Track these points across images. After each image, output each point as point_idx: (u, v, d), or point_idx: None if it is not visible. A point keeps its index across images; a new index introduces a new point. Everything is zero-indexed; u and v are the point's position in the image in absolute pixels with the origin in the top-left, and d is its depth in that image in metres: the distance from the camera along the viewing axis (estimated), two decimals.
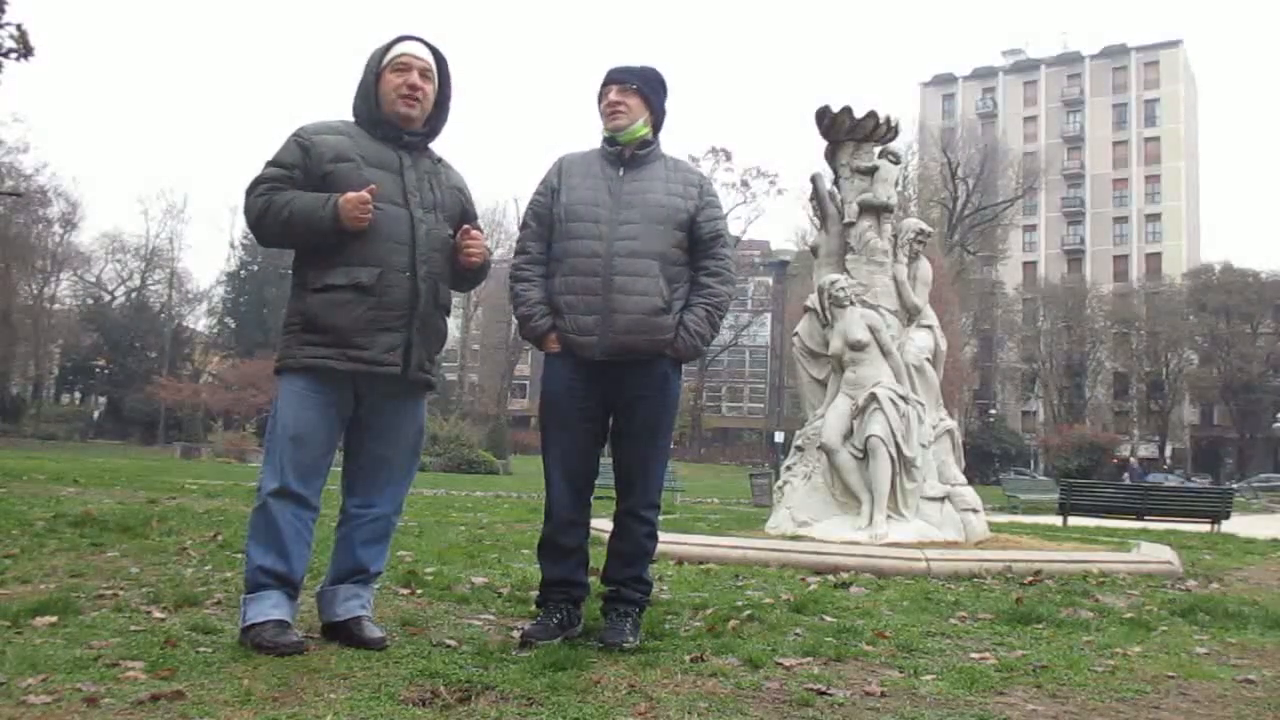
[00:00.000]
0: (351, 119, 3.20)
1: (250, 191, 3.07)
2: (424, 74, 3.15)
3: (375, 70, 3.15)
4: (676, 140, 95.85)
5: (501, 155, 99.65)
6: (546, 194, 3.43)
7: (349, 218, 2.95)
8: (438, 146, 3.35)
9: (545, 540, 3.39)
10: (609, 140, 3.45)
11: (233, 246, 57.92)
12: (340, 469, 3.23)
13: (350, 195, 2.94)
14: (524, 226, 3.49)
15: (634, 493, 3.41)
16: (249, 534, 3.01)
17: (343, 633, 3.01)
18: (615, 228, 3.29)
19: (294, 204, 3.00)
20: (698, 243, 3.41)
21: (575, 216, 3.33)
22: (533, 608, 3.46)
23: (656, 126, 3.51)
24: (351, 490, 3.17)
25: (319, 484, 3.04)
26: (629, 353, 3.25)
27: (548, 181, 3.47)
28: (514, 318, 3.39)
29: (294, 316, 3.06)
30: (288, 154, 3.08)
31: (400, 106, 3.11)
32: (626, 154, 3.42)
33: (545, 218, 3.41)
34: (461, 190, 3.36)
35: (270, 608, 2.87)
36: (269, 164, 3.09)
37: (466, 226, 3.29)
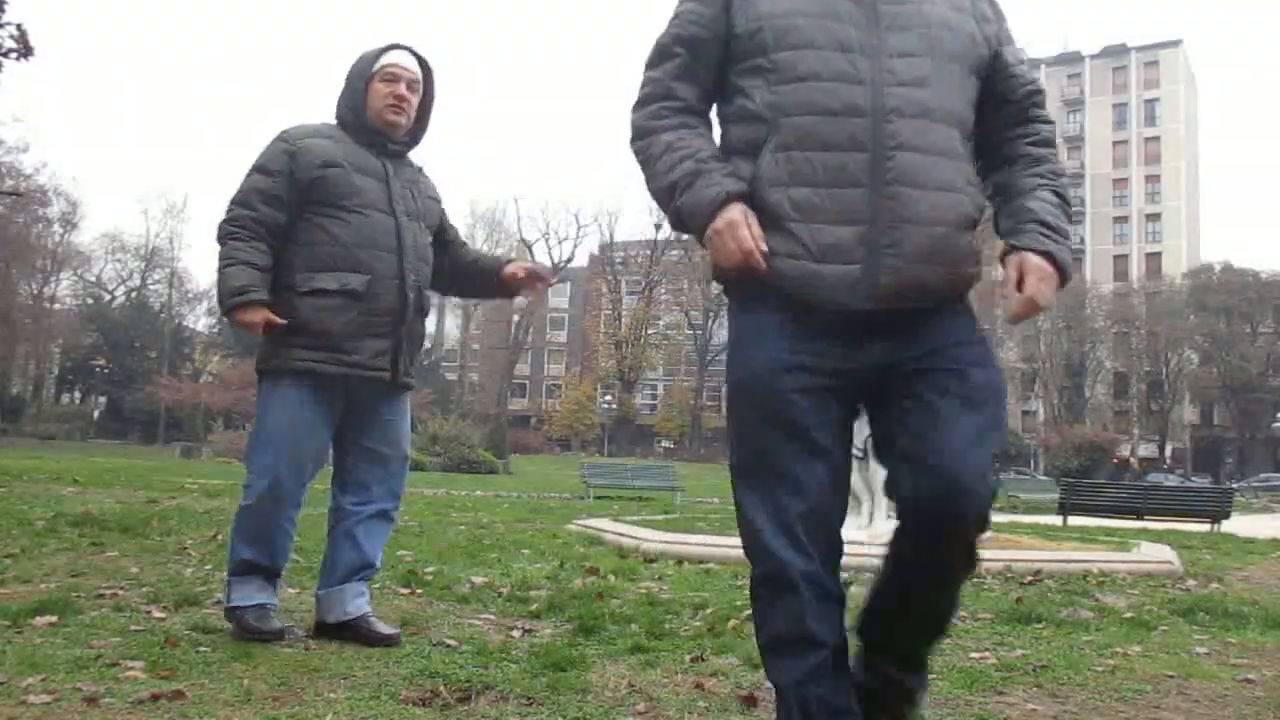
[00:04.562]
0: (334, 123, 3.21)
1: (232, 206, 3.06)
2: (411, 85, 3.18)
3: (365, 77, 3.16)
4: None
5: (501, 155, 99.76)
6: (710, 2, 1.89)
7: (242, 321, 2.99)
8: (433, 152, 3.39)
9: (779, 634, 1.84)
10: None
11: None
12: (331, 468, 3.27)
13: (257, 321, 2.96)
14: (662, 57, 1.93)
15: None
16: (235, 526, 3.09)
17: (353, 630, 3.04)
18: (882, 63, 1.78)
19: (232, 266, 2.99)
20: (1005, 102, 1.94)
21: (800, 40, 1.80)
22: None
23: None
24: (346, 488, 3.18)
25: (305, 482, 3.10)
26: (921, 295, 1.78)
27: None
28: (654, 190, 1.89)
29: (280, 318, 3.02)
30: (274, 160, 3.06)
31: (388, 115, 3.14)
32: None
33: (707, 45, 1.88)
34: (439, 200, 3.40)
35: (255, 591, 3.03)
36: (255, 169, 3.09)
37: (537, 270, 3.46)
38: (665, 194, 1.84)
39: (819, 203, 1.73)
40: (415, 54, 3.23)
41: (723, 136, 1.90)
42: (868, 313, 1.75)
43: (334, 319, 3.00)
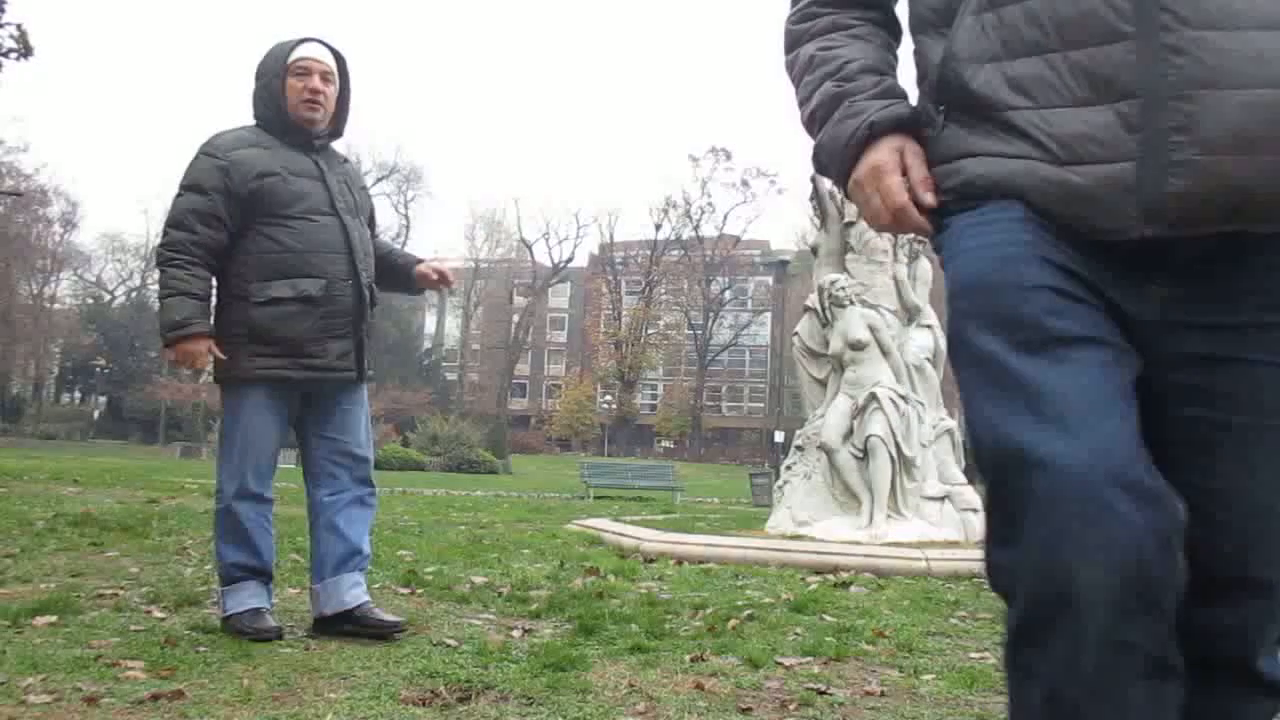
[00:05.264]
0: (254, 124, 3.22)
1: (169, 230, 3.08)
2: (325, 77, 3.19)
3: (278, 74, 3.15)
4: (676, 138, 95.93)
5: (501, 155, 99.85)
6: None
7: (180, 361, 3.05)
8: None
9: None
10: None
11: None
12: (300, 467, 3.37)
13: (200, 351, 3.02)
14: None
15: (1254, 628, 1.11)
16: (217, 534, 3.15)
17: (353, 620, 3.08)
18: None
19: (172, 297, 3.03)
20: None
21: None
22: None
23: None
24: (318, 482, 3.24)
25: (271, 479, 3.21)
26: (1240, 209, 1.01)
27: None
28: (803, 125, 1.29)
29: (236, 328, 3.07)
30: (207, 178, 3.06)
31: (304, 110, 3.15)
32: None
33: None
34: (366, 190, 3.45)
35: (248, 598, 3.05)
36: (188, 189, 3.08)
37: (440, 272, 3.48)
38: (808, 130, 1.27)
39: (1054, 76, 1.06)
40: (327, 45, 3.23)
41: (910, 13, 1.27)
42: (1142, 244, 1.03)
43: (295, 325, 3.05)
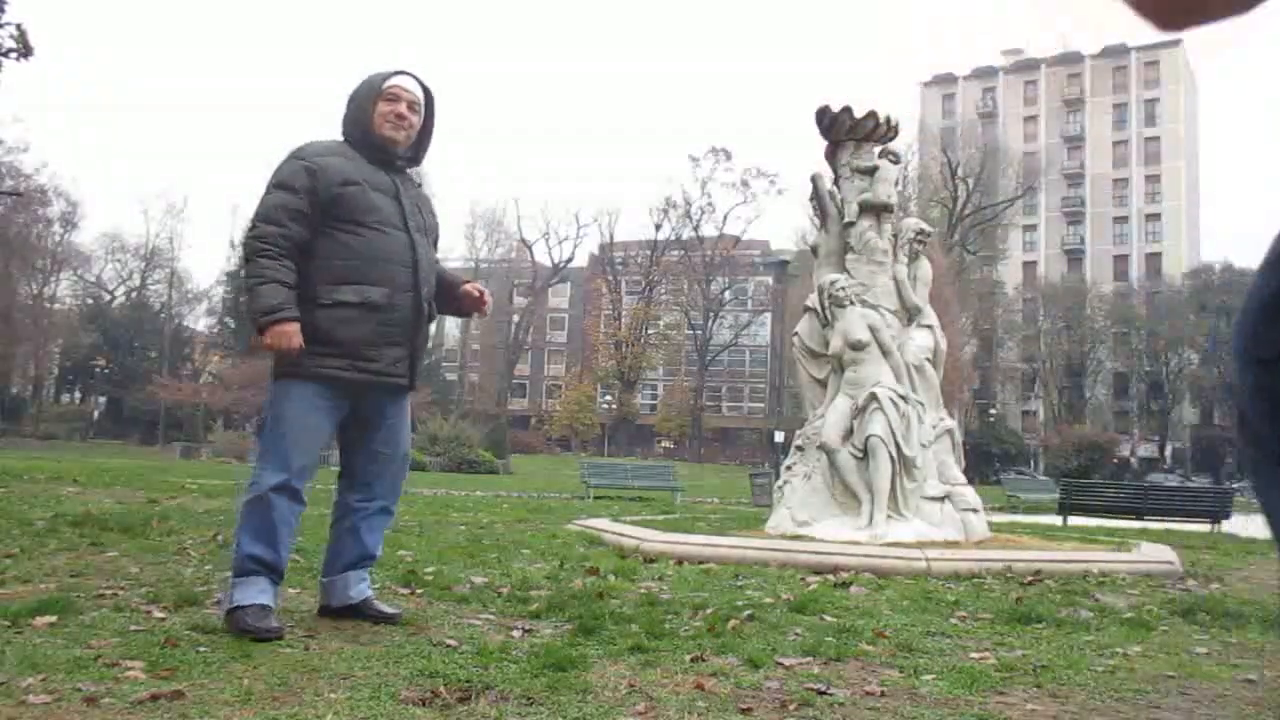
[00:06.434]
0: (341, 140, 3.41)
1: (258, 223, 3.20)
2: (411, 106, 3.41)
3: (371, 98, 3.36)
4: (677, 138, 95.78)
5: (501, 155, 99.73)
6: None
7: (273, 343, 3.09)
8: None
9: None
10: None
11: (233, 246, 57.68)
12: (337, 466, 3.51)
13: (292, 334, 3.07)
14: None
15: None
16: (240, 523, 3.20)
17: (358, 612, 3.33)
18: None
19: (264, 285, 3.12)
20: None
21: None
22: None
23: None
24: (352, 486, 3.42)
25: (310, 480, 3.30)
26: None
27: None
28: None
29: (301, 328, 3.18)
30: (296, 178, 3.23)
31: (386, 130, 3.36)
32: None
33: None
34: (435, 215, 3.61)
35: (257, 593, 3.10)
36: (277, 187, 3.23)
37: (481, 291, 3.60)
38: None
39: None
40: (418, 79, 3.45)
41: None
42: None
43: (354, 330, 3.19)
